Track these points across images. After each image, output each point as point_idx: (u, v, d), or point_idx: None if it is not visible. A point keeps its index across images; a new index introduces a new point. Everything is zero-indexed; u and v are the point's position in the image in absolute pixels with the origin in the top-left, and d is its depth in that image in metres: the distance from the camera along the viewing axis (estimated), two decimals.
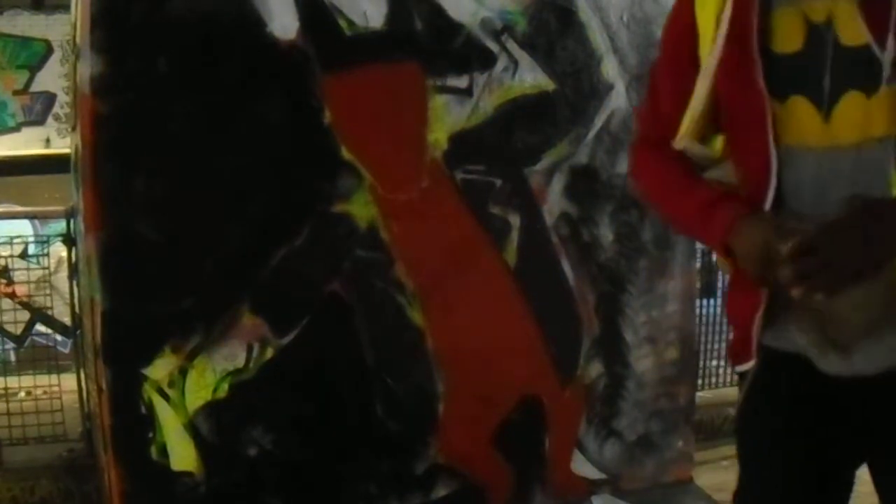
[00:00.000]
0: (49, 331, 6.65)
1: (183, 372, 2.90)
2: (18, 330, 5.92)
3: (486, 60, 3.28)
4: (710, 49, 1.49)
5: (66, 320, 4.80)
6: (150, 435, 2.87)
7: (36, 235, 5.63)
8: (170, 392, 2.89)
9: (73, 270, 4.27)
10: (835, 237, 1.25)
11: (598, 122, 3.52)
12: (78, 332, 4.28)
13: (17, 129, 10.27)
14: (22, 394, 4.66)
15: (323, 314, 3.08)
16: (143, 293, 2.83)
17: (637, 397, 3.67)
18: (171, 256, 2.86)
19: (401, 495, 3.24)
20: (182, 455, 2.91)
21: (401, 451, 3.24)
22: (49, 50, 10.22)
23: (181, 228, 2.87)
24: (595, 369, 3.56)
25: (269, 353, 2.98)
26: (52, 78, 10.20)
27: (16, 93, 10.25)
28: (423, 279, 3.21)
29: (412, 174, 3.18)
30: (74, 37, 3.22)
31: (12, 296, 5.37)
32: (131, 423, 2.85)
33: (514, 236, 3.34)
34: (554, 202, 3.43)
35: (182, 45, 2.85)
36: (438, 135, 3.19)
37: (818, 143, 1.41)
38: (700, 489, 3.83)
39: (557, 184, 3.44)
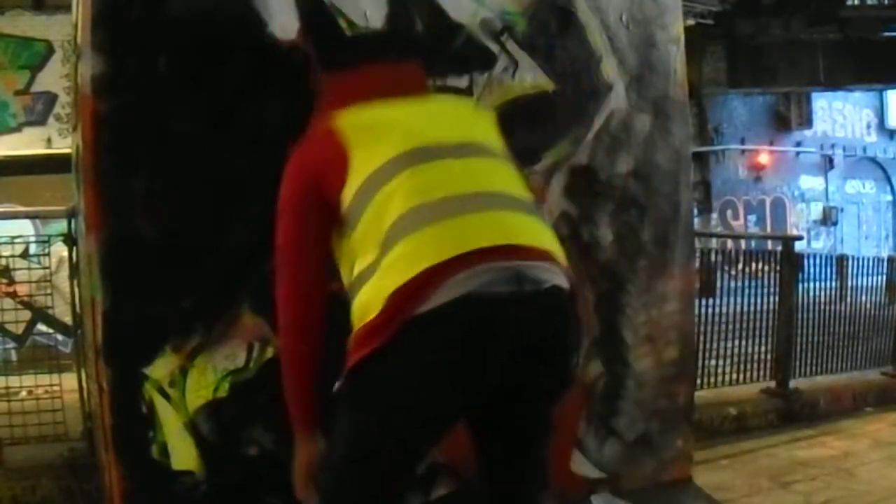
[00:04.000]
0: (50, 330, 6.65)
1: (183, 371, 2.90)
2: (19, 329, 5.93)
3: (485, 61, 3.29)
4: None
5: (67, 320, 4.79)
6: (151, 434, 2.87)
7: (37, 235, 5.62)
8: (170, 391, 2.89)
9: (74, 270, 4.27)
10: None
11: (598, 122, 3.53)
12: (79, 331, 4.29)
13: (18, 129, 10.28)
14: (23, 393, 4.67)
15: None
16: (143, 293, 2.83)
17: (636, 396, 3.67)
18: (171, 256, 2.85)
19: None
20: (183, 454, 2.90)
21: None
22: (50, 50, 10.23)
23: (181, 228, 2.87)
24: (594, 368, 3.56)
25: (270, 352, 2.98)
26: (53, 78, 10.21)
27: (17, 93, 10.26)
28: None
29: None
30: (75, 37, 3.23)
31: (13, 295, 5.37)
32: (132, 422, 2.85)
33: None
34: (554, 202, 3.44)
35: (182, 45, 2.85)
36: None
37: None
38: (699, 488, 3.84)
39: (557, 184, 3.45)
